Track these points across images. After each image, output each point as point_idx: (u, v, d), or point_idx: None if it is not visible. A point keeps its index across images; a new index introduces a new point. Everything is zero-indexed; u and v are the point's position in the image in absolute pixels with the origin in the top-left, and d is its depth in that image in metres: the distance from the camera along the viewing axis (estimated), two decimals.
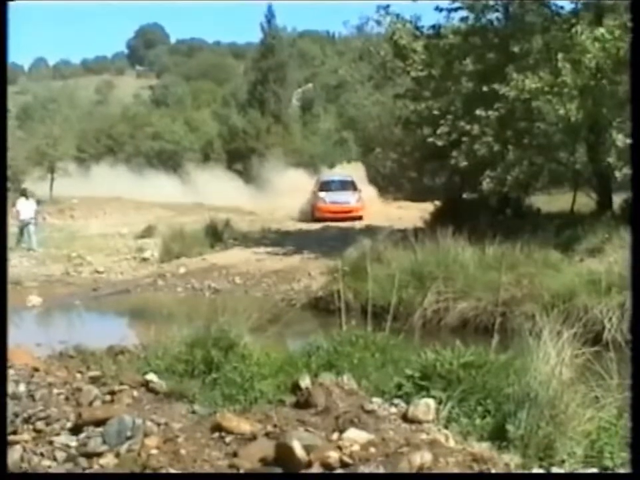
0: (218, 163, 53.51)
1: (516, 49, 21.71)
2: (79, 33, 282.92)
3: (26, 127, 55.08)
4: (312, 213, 39.18)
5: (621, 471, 6.09)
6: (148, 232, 30.88)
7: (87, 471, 6.12)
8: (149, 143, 60.60)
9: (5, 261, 7.44)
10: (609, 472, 6.15)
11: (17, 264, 24.82)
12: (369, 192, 44.21)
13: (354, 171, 47.77)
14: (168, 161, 56.33)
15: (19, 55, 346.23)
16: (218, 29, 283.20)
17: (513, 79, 20.40)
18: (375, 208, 40.83)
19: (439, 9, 24.08)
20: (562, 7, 22.98)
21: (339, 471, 5.47)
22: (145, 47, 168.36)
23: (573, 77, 19.55)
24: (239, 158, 53.55)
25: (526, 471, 5.94)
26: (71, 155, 48.32)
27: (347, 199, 39.23)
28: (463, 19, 23.59)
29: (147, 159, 55.91)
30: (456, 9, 23.75)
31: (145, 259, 25.85)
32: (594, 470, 6.20)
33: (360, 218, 37.05)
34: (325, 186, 41.02)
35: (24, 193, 30.56)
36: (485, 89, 21.36)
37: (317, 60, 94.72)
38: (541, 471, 6.16)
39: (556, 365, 6.73)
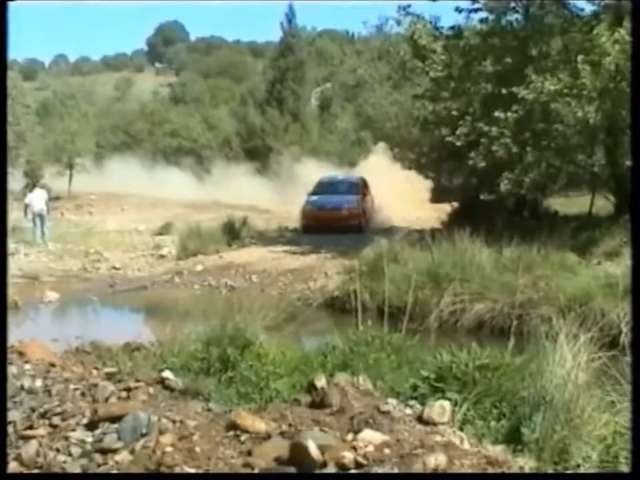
0: (235, 160, 53.51)
1: (535, 51, 21.68)
2: (99, 30, 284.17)
3: (45, 123, 55.26)
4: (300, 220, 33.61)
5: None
6: (165, 229, 31.00)
7: (102, 467, 6.14)
8: (166, 139, 60.67)
9: (5, 261, 7.45)
10: (609, 472, 6.13)
11: (34, 259, 24.97)
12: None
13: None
14: (185, 158, 56.34)
15: (40, 51, 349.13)
16: (238, 27, 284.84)
17: (532, 80, 20.37)
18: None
19: (458, 10, 24.04)
20: (582, 9, 22.95)
21: (353, 472, 5.48)
22: (165, 45, 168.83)
23: (592, 79, 19.49)
24: (257, 156, 53.56)
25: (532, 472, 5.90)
26: (89, 151, 48.47)
27: (339, 203, 32.76)
28: (483, 20, 23.57)
29: (164, 156, 55.95)
30: (476, 10, 23.72)
31: (162, 256, 25.91)
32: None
33: (357, 227, 31.63)
34: (321, 188, 35.13)
35: (35, 185, 30.73)
36: (503, 90, 21.34)
37: (335, 59, 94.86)
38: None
39: (572, 368, 6.70)
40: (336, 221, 31.81)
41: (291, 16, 58.49)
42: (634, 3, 9.87)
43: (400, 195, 39.60)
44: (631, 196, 7.51)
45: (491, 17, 23.25)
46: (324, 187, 35.10)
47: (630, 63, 15.43)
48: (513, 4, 22.95)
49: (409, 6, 24.29)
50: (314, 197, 33.76)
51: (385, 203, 36.65)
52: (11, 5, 7.30)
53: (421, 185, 41.75)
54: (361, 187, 35.26)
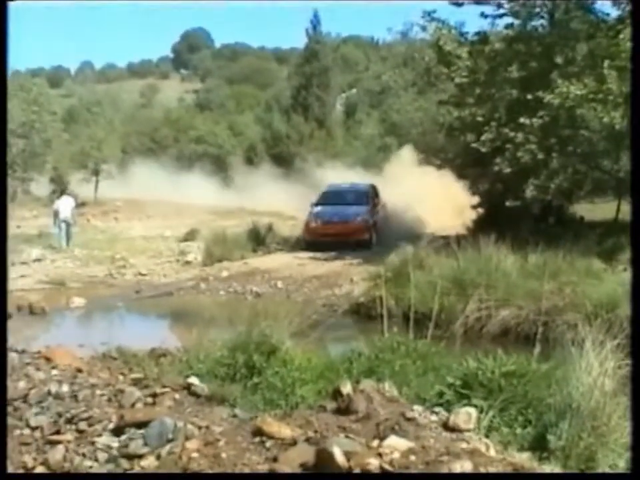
0: (260, 167, 53.58)
1: (561, 56, 21.63)
2: (124, 37, 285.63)
3: (71, 130, 55.55)
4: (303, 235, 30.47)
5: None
6: (191, 235, 31.06)
7: (127, 473, 6.18)
8: (192, 146, 60.84)
9: (5, 262, 7.48)
10: (609, 472, 6.10)
11: (60, 265, 25.08)
12: None
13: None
14: (210, 164, 56.49)
15: (66, 58, 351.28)
16: (262, 33, 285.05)
17: (558, 85, 20.32)
18: None
19: (484, 15, 24.01)
20: (607, 14, 22.87)
21: None
22: (190, 51, 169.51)
23: (618, 84, 19.43)
24: (282, 162, 53.56)
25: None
26: (115, 157, 48.69)
27: (347, 215, 29.66)
28: (508, 26, 23.53)
29: (189, 162, 56.09)
30: (501, 16, 23.69)
31: (187, 262, 25.95)
32: None
33: (367, 242, 28.84)
34: (326, 197, 31.77)
35: (64, 192, 30.90)
36: (529, 96, 21.29)
37: (360, 65, 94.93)
38: None
39: (598, 375, 6.69)
40: (344, 236, 28.66)
41: (315, 22, 58.53)
42: (634, 3, 9.85)
43: (432, 198, 36.27)
44: (631, 196, 7.48)
45: (516, 23, 23.22)
46: (330, 197, 31.73)
47: (630, 64, 15.37)
48: (538, 9, 22.90)
49: (434, 11, 24.27)
50: (318, 209, 30.60)
51: (413, 208, 34.09)
52: (11, 5, 7.33)
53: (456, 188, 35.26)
54: (371, 196, 32.03)
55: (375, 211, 31.12)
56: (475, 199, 29.15)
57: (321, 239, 28.72)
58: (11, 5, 7.32)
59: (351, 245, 28.10)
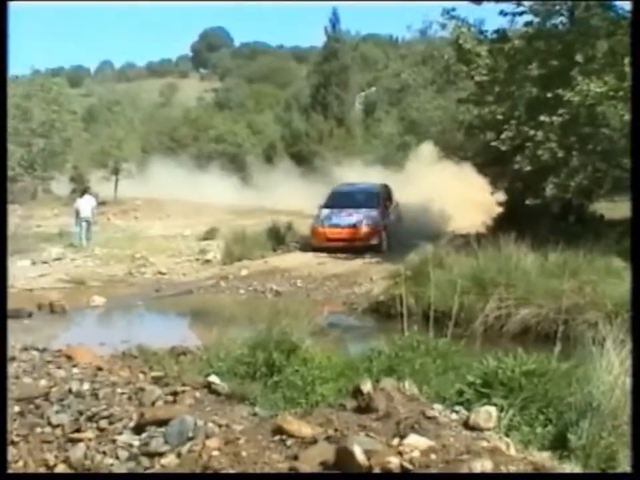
0: (279, 165, 53.55)
1: (581, 54, 21.53)
2: (144, 36, 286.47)
3: (91, 129, 55.74)
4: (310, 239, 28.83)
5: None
6: (210, 234, 31.07)
7: (149, 471, 6.20)
8: (211, 145, 60.96)
9: (5, 262, 7.52)
10: (609, 472, 6.09)
11: (81, 264, 25.15)
12: None
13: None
14: (230, 163, 56.53)
15: (86, 57, 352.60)
16: (281, 32, 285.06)
17: (578, 83, 20.25)
18: None
19: (503, 13, 23.91)
20: (628, 11, 22.74)
21: None
22: (209, 50, 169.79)
23: None
24: (301, 161, 53.52)
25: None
26: (135, 156, 48.80)
27: (355, 219, 28.21)
28: (528, 23, 23.43)
29: (209, 161, 56.13)
30: (520, 13, 23.58)
31: (207, 261, 25.98)
32: None
33: (377, 247, 27.48)
34: (334, 199, 30.16)
35: (85, 191, 30.99)
36: (549, 94, 21.22)
37: (379, 64, 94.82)
38: None
39: (619, 374, 6.67)
40: (352, 241, 27.56)
41: (334, 21, 58.45)
42: (634, 3, 9.80)
43: (454, 196, 34.27)
44: (631, 196, 7.45)
45: (536, 20, 23.10)
46: (338, 199, 30.09)
47: (631, 64, 15.28)
48: (558, 7, 22.80)
49: (453, 9, 24.21)
50: (326, 211, 29.16)
51: (433, 206, 33.17)
52: (11, 5, 7.37)
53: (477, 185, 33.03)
54: (382, 198, 30.36)
55: (386, 214, 29.64)
56: (497, 197, 28.85)
57: (328, 244, 27.63)
58: (11, 5, 7.37)
59: (360, 249, 26.98)
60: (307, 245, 28.74)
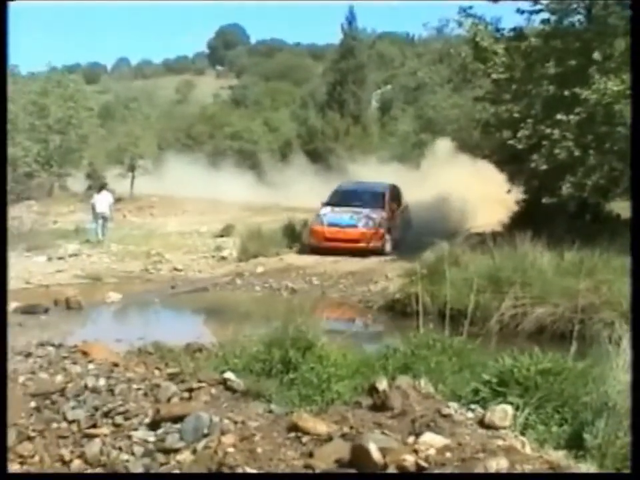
0: (295, 163, 53.55)
1: (598, 52, 21.46)
2: (160, 33, 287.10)
3: (107, 126, 55.88)
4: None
5: None
6: (226, 231, 31.10)
7: (164, 467, 6.23)
8: (227, 142, 61.00)
9: (5, 262, 7.53)
10: (609, 472, 6.07)
11: (96, 260, 25.21)
12: None
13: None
14: (246, 160, 56.58)
15: (102, 54, 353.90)
16: (298, 30, 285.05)
17: (595, 81, 20.20)
18: None
19: (520, 11, 23.87)
20: None
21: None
22: (225, 48, 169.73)
23: None
24: (317, 158, 53.48)
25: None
26: (151, 153, 48.89)
27: (354, 220, 26.84)
28: (545, 21, 23.38)
29: (225, 158, 56.16)
30: (537, 11, 23.54)
31: (223, 258, 25.99)
32: None
33: (378, 250, 26.24)
34: (337, 197, 28.86)
35: (102, 187, 31.06)
36: (566, 92, 21.17)
37: (396, 61, 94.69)
38: None
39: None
40: (350, 242, 26.03)
41: (351, 18, 58.38)
42: (634, 3, 9.76)
43: (471, 193, 32.93)
44: (631, 196, 7.43)
45: (553, 18, 23.06)
46: (341, 197, 28.79)
47: (631, 64, 15.22)
48: (575, 5, 22.76)
49: (470, 7, 24.16)
50: (325, 210, 27.76)
51: (449, 204, 32.21)
52: (11, 4, 7.38)
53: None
54: (388, 198, 28.60)
55: (392, 215, 28.14)
56: (513, 195, 28.58)
57: (326, 244, 26.22)
58: (11, 5, 7.39)
59: (360, 251, 25.68)
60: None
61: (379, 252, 26.15)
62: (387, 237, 27.01)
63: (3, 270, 7.36)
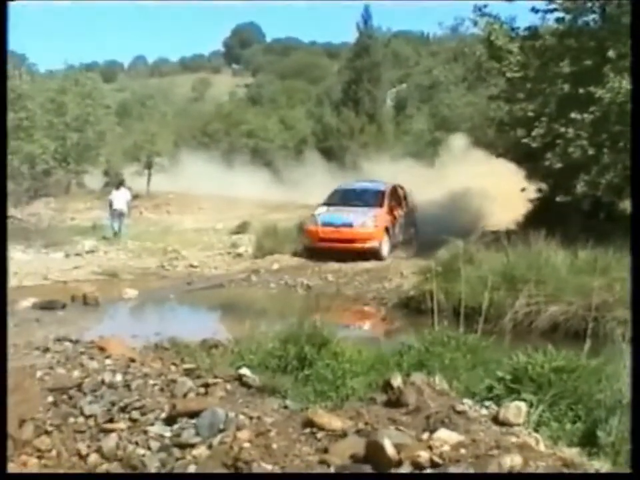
0: (310, 161, 53.56)
1: (613, 51, 21.43)
2: (177, 32, 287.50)
3: (124, 123, 55.99)
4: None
5: None
6: (242, 228, 31.20)
7: (180, 462, 6.27)
8: (243, 140, 61.10)
9: (5, 261, 7.58)
10: (609, 472, 6.10)
11: (113, 257, 25.32)
12: None
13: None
14: (261, 158, 56.67)
15: (119, 52, 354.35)
16: (313, 28, 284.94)
17: (609, 80, 20.17)
18: None
19: (534, 10, 23.83)
20: None
21: (428, 471, 5.53)
22: (241, 46, 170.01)
23: None
24: (332, 156, 53.51)
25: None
26: (168, 151, 49.00)
27: (351, 219, 25.21)
28: (559, 20, 23.35)
29: (240, 156, 56.23)
30: (552, 10, 23.50)
31: (238, 255, 26.05)
32: None
33: (375, 252, 24.78)
34: (335, 197, 27.45)
35: (121, 184, 31.15)
36: (580, 91, 21.14)
37: (410, 60, 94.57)
38: None
39: None
40: (345, 243, 24.53)
41: (366, 17, 58.33)
42: (634, 3, 9.76)
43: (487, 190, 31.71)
44: (631, 195, 7.45)
45: (568, 17, 23.02)
46: (339, 197, 27.39)
47: (631, 64, 15.19)
48: (589, 4, 22.72)
49: (485, 6, 24.15)
50: (321, 209, 26.39)
51: (466, 202, 31.26)
52: (12, 5, 7.44)
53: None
54: (387, 197, 27.07)
55: (391, 215, 26.72)
56: (527, 194, 28.26)
57: (321, 245, 24.86)
58: (11, 5, 7.45)
59: (356, 252, 24.24)
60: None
61: (375, 253, 24.85)
62: (385, 237, 25.63)
63: (2, 270, 7.41)
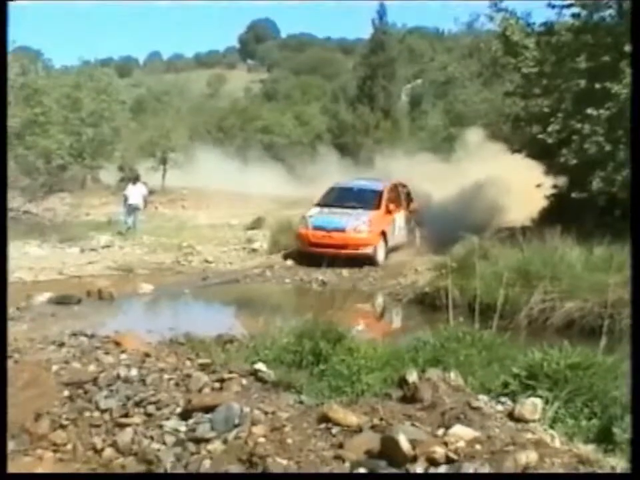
0: (325, 157, 53.54)
1: (629, 46, 21.35)
2: (192, 28, 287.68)
3: (139, 119, 56.03)
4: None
5: None
6: (257, 223, 31.20)
7: (195, 457, 6.29)
8: (258, 135, 61.13)
9: (5, 261, 7.59)
10: (609, 472, 6.08)
11: (128, 252, 25.33)
12: None
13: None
14: (276, 153, 56.69)
15: (135, 48, 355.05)
16: (328, 24, 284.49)
17: (626, 76, 20.09)
18: None
19: (551, 6, 23.75)
20: None
21: (444, 467, 5.52)
22: (256, 42, 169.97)
23: None
24: (347, 152, 53.49)
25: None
26: (183, 146, 49.03)
27: (343, 222, 23.85)
28: (575, 16, 23.27)
29: (255, 152, 56.26)
30: (568, 6, 23.41)
31: (253, 250, 26.05)
32: None
33: (369, 257, 23.48)
34: (330, 197, 26.21)
35: (137, 179, 31.14)
36: (596, 86, 21.06)
37: (425, 56, 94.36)
38: None
39: None
40: (337, 247, 22.99)
41: (381, 13, 58.26)
42: (634, 3, 9.71)
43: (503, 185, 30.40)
44: (631, 196, 7.41)
45: (584, 13, 22.93)
46: (334, 197, 26.02)
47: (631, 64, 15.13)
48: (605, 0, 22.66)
49: (500, 2, 24.10)
50: (314, 211, 25.12)
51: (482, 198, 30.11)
52: (11, 4, 7.46)
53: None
54: (385, 198, 25.43)
55: (389, 217, 25.22)
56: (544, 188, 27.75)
57: (312, 250, 23.31)
58: (11, 4, 7.46)
59: (348, 258, 22.77)
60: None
61: (369, 260, 23.52)
62: (381, 242, 24.23)
63: (3, 270, 7.43)
